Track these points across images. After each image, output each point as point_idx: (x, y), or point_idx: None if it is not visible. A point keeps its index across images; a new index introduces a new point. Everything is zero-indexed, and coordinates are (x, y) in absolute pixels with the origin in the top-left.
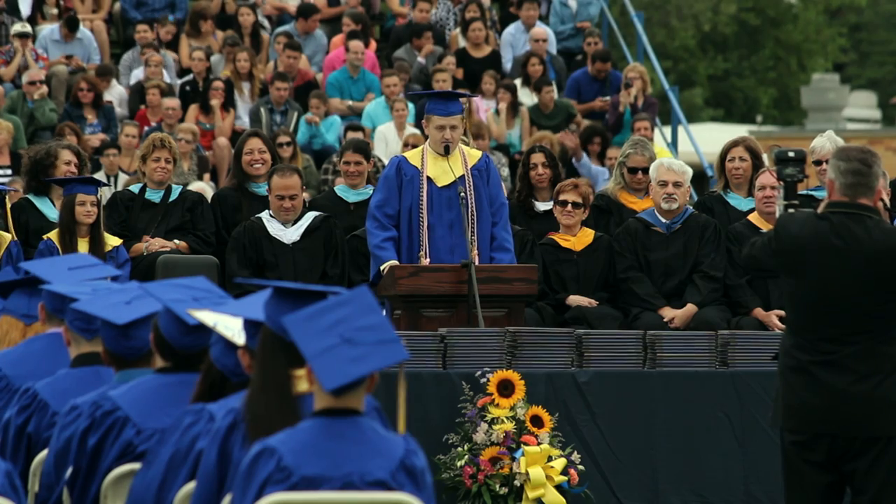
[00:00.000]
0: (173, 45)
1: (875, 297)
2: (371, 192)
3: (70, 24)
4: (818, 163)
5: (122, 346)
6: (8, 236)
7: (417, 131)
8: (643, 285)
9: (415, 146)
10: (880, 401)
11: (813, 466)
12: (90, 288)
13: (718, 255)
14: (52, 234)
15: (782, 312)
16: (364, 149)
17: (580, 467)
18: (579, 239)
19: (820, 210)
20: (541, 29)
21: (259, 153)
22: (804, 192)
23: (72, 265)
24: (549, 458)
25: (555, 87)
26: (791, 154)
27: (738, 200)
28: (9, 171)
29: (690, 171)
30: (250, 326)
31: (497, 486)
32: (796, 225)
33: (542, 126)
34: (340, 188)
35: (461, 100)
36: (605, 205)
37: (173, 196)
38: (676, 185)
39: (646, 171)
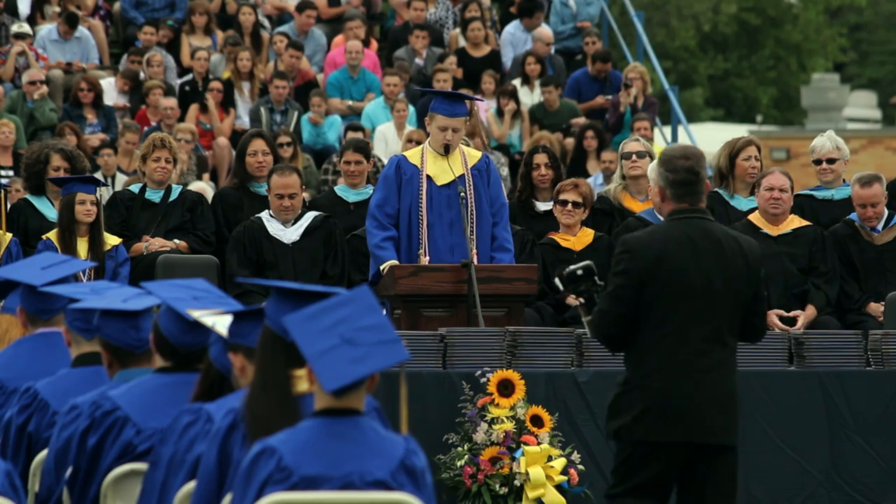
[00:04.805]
0: (175, 45)
1: (743, 293)
2: (371, 191)
3: (70, 21)
4: (818, 162)
5: (131, 338)
6: (9, 235)
7: (420, 129)
8: None
9: (418, 142)
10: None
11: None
12: (89, 288)
13: None
14: (52, 234)
15: (783, 312)
16: (364, 148)
17: (580, 467)
18: (579, 239)
19: (664, 219)
20: (546, 31)
21: (263, 154)
22: (804, 192)
23: (44, 264)
24: (549, 458)
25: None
26: (579, 272)
27: (738, 201)
28: (10, 172)
29: None
30: (236, 324)
31: (497, 486)
32: (639, 242)
33: (546, 125)
34: (340, 188)
35: (466, 102)
36: (606, 208)
37: (173, 196)
38: None
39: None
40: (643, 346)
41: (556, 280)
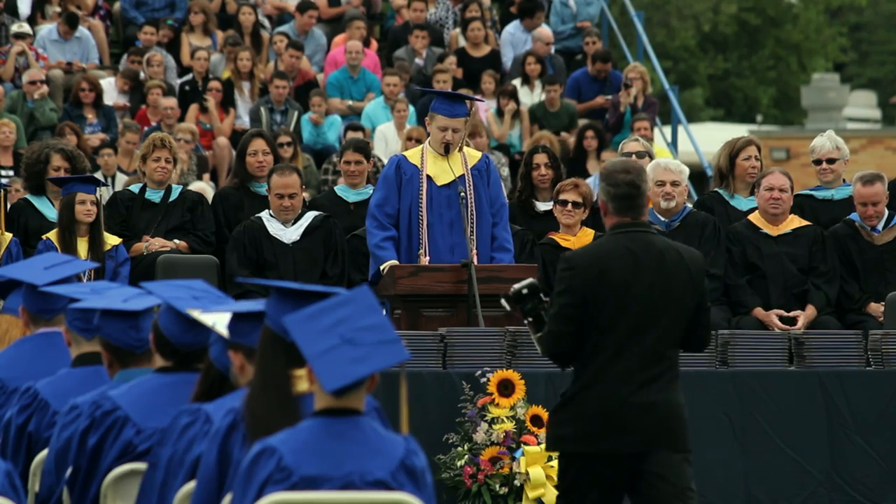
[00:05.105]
0: (174, 45)
1: (686, 304)
2: (371, 191)
3: (70, 21)
4: (818, 162)
5: (131, 338)
6: (9, 235)
7: (420, 126)
8: None
9: (418, 140)
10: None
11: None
12: (89, 288)
13: (718, 252)
14: (52, 234)
15: (783, 312)
16: (364, 148)
17: None
18: (579, 239)
19: (607, 234)
20: (546, 31)
21: (263, 154)
22: (804, 192)
23: (46, 264)
24: (549, 458)
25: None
26: (524, 291)
27: (738, 201)
28: (10, 172)
29: (687, 171)
30: (237, 323)
31: (497, 486)
32: (581, 258)
33: (546, 125)
34: (340, 188)
35: (466, 102)
36: None
37: (173, 196)
38: (674, 184)
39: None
40: (584, 359)
41: (503, 300)
